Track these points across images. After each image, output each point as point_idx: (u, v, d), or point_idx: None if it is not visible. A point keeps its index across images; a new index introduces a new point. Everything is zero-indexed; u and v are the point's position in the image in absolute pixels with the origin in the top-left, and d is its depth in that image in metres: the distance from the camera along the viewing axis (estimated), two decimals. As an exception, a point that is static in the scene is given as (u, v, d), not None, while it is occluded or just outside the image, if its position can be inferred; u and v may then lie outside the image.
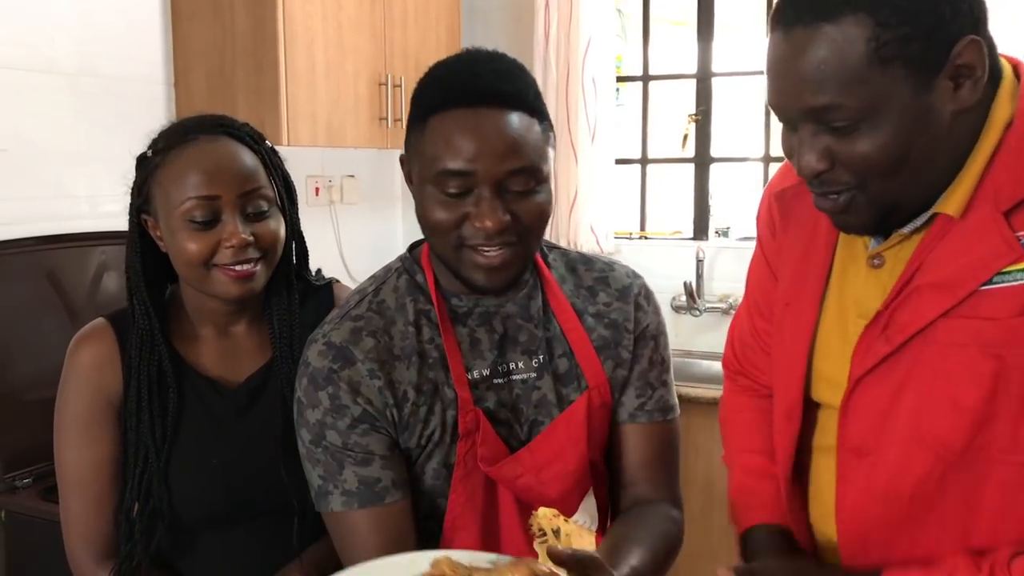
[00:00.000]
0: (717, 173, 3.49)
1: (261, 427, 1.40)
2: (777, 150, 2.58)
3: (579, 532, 1.18)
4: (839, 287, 1.13)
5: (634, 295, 1.32)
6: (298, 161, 3.10)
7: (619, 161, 3.52)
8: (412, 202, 1.22)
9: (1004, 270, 0.97)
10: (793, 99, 0.99)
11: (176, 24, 2.63)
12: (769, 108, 1.08)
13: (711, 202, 3.48)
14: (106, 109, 2.43)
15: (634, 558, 1.16)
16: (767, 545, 1.19)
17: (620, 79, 3.68)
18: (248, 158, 1.35)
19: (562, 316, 1.29)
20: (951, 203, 1.00)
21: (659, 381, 1.33)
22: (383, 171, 3.55)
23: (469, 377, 1.25)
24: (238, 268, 1.31)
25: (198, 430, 1.39)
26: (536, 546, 1.21)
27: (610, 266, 1.35)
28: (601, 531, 1.30)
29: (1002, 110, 1.00)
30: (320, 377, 1.22)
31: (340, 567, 1.12)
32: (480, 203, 1.13)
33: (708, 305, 3.27)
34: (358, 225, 3.35)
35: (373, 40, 2.91)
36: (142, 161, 1.37)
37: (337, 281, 1.54)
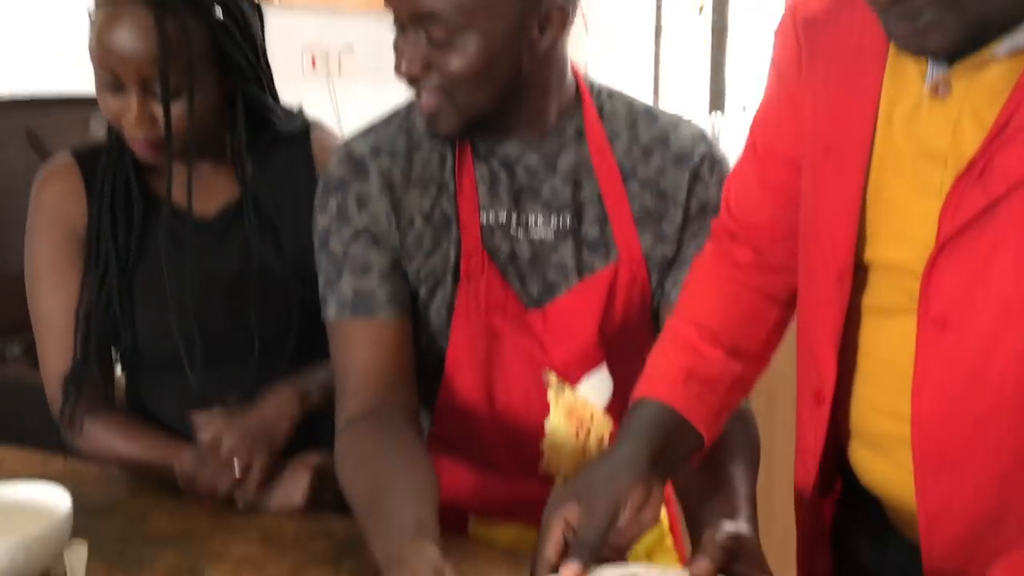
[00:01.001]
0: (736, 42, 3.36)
1: (229, 263, 1.38)
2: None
3: (584, 404, 1.12)
4: (891, 126, 0.95)
5: (694, 163, 1.20)
6: (293, 29, 3.09)
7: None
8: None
9: None
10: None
11: None
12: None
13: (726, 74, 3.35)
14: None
15: (743, 504, 1.05)
16: (648, 425, 1.01)
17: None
18: (149, 36, 1.26)
19: (605, 177, 1.19)
20: None
21: None
22: (383, 42, 3.45)
23: (484, 219, 1.18)
24: (139, 143, 1.30)
25: (163, 263, 1.36)
26: (550, 395, 1.16)
27: (675, 125, 1.22)
28: (620, 408, 1.20)
29: None
30: (332, 184, 1.21)
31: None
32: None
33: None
34: (359, 103, 3.27)
35: None
36: (89, 18, 1.34)
37: (320, 125, 1.49)
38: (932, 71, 0.89)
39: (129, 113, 1.28)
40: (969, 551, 0.92)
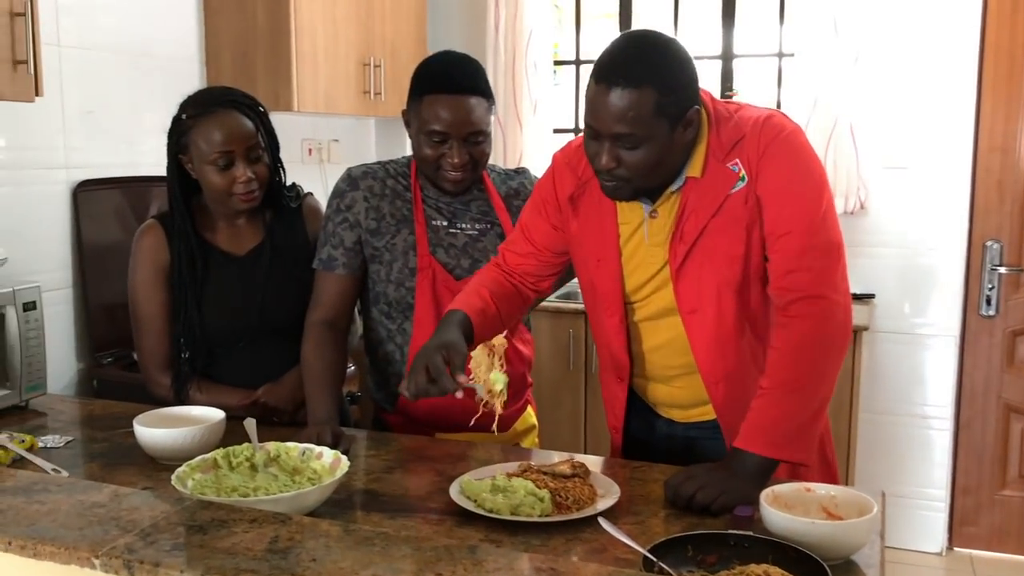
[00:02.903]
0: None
1: (257, 281, 2.17)
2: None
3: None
4: (629, 239, 1.82)
5: (528, 179, 2.21)
6: (296, 127, 3.87)
7: (556, 130, 4.25)
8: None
9: (733, 188, 1.71)
10: (606, 125, 1.62)
11: (208, 17, 3.33)
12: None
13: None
14: (158, 81, 3.11)
15: None
16: (455, 323, 1.78)
17: (557, 63, 4.40)
18: (248, 123, 2.09)
19: (498, 207, 2.14)
20: (695, 169, 1.73)
21: None
22: (360, 137, 4.29)
23: (432, 223, 2.09)
24: (246, 195, 2.09)
25: (217, 284, 2.15)
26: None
27: (520, 171, 2.25)
28: (509, 335, 2.08)
29: (704, 119, 1.73)
30: (339, 190, 2.12)
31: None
32: (452, 149, 1.99)
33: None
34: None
35: (359, 30, 3.63)
36: (177, 122, 2.10)
37: (310, 194, 2.32)
38: (646, 208, 1.79)
39: (240, 175, 2.04)
40: (736, 407, 1.76)
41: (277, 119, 3.47)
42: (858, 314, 3.58)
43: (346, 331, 2.14)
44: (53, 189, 2.76)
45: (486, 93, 2.03)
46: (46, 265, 2.71)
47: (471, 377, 2.02)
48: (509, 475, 1.67)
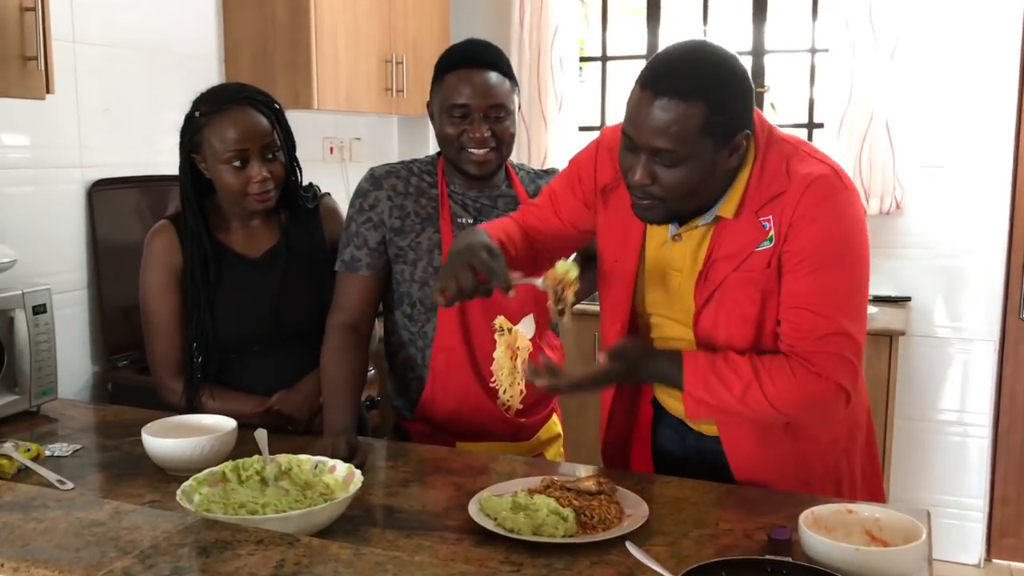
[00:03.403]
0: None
1: (272, 284, 2.10)
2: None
3: (521, 335, 1.88)
4: (652, 252, 1.72)
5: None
6: (317, 125, 3.82)
7: (582, 128, 4.15)
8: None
9: (759, 246, 1.59)
10: (645, 137, 1.48)
11: (227, 13, 3.27)
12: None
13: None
14: (176, 79, 3.06)
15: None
16: (481, 232, 1.66)
17: (583, 59, 4.33)
18: (263, 120, 2.02)
19: (524, 203, 2.02)
20: (727, 210, 1.60)
21: None
22: (383, 135, 4.22)
23: (458, 220, 2.02)
24: (261, 195, 2.02)
25: (231, 287, 2.08)
26: (496, 336, 1.93)
27: (549, 171, 2.16)
28: (537, 339, 2.01)
29: (749, 153, 1.60)
30: (360, 191, 2.05)
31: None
32: (474, 124, 1.91)
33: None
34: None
35: (381, 26, 3.57)
36: (190, 120, 2.03)
37: (328, 195, 2.23)
38: (672, 229, 1.68)
39: (255, 175, 1.97)
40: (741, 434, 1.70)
41: (297, 117, 3.42)
42: (893, 317, 3.48)
43: (368, 336, 2.07)
44: (68, 188, 2.71)
45: (509, 74, 1.97)
46: (60, 266, 2.67)
47: (493, 380, 1.96)
48: (531, 491, 1.59)
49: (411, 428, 2.12)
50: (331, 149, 3.85)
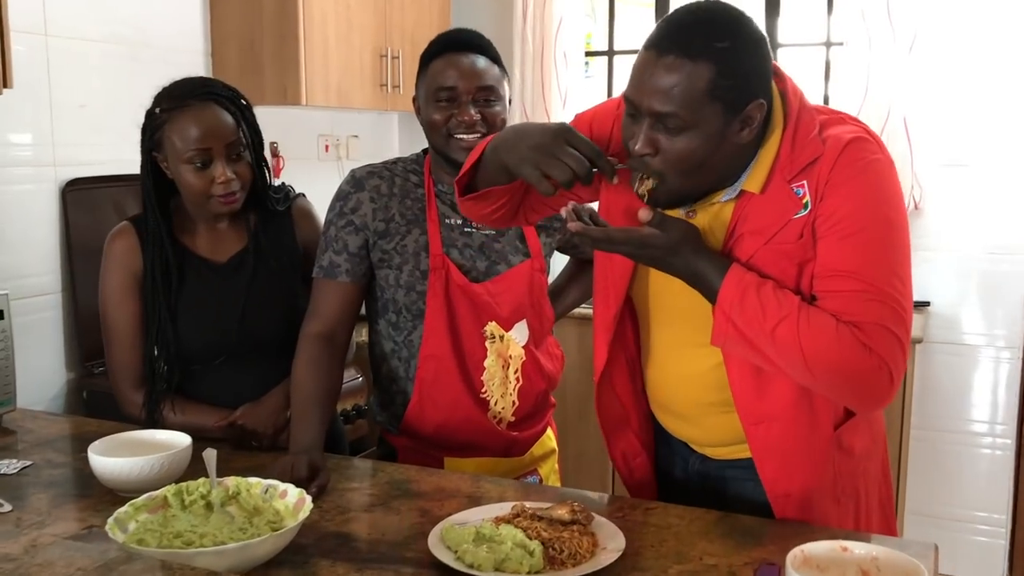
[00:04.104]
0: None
1: (238, 291, 1.97)
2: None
3: (513, 343, 1.76)
4: None
5: None
6: (311, 122, 3.70)
7: (588, 125, 4.06)
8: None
9: (794, 215, 1.43)
10: (648, 100, 1.35)
11: (213, 4, 3.16)
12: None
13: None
14: (158, 74, 2.94)
15: None
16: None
17: (589, 53, 4.20)
18: (228, 117, 1.90)
19: None
20: (754, 183, 1.45)
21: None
22: (383, 132, 4.10)
23: (446, 221, 1.89)
24: (225, 197, 1.89)
25: (194, 293, 1.96)
26: (487, 343, 1.80)
27: None
28: (530, 347, 1.89)
29: (778, 124, 1.45)
30: (340, 194, 1.91)
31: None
32: (462, 107, 1.80)
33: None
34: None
35: (376, 18, 3.44)
36: (151, 116, 1.91)
37: (302, 195, 2.10)
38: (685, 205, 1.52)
39: (218, 175, 1.85)
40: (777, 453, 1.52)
41: (289, 114, 3.32)
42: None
43: (344, 347, 1.94)
44: (39, 188, 2.61)
45: (497, 60, 1.89)
46: (32, 269, 2.58)
47: (484, 391, 1.84)
48: (498, 520, 1.45)
49: (396, 443, 1.99)
50: (326, 147, 3.73)
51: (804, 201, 1.42)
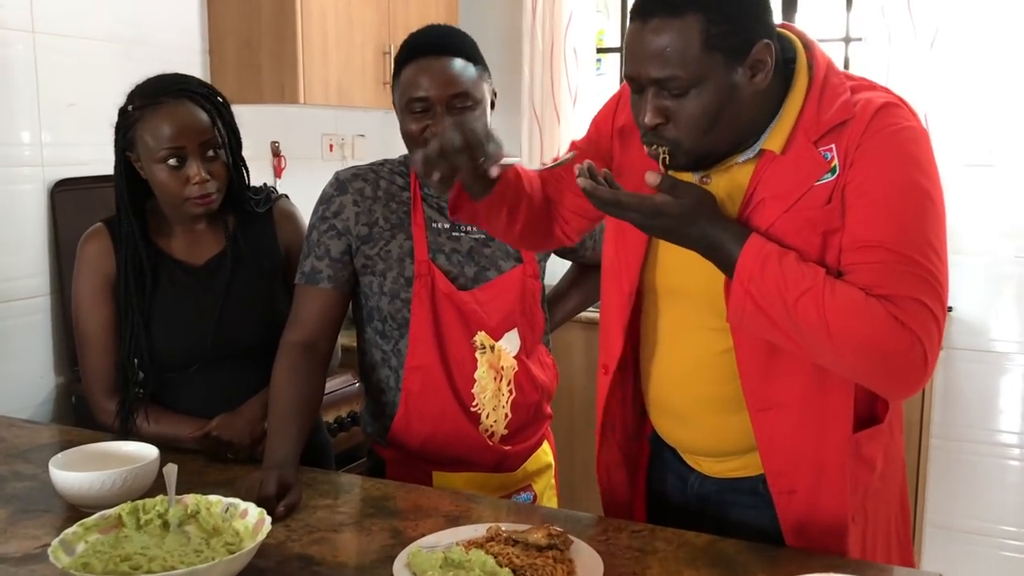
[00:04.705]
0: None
1: (215, 295, 1.90)
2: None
3: (504, 353, 1.67)
4: None
5: None
6: (314, 121, 3.63)
7: (599, 123, 3.96)
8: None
9: (819, 180, 1.33)
10: (644, 69, 1.29)
11: (211, 1, 3.09)
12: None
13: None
14: (154, 72, 2.86)
15: None
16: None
17: (601, 50, 4.11)
18: (202, 115, 1.83)
19: None
20: (774, 143, 1.35)
21: None
22: (389, 132, 4.00)
23: (432, 225, 1.81)
24: (201, 198, 1.82)
25: (169, 297, 1.89)
26: (477, 354, 1.72)
27: None
28: (522, 357, 1.82)
29: (801, 79, 1.37)
30: (325, 196, 1.83)
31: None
32: (436, 117, 1.69)
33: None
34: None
35: (378, 13, 3.36)
36: (123, 114, 1.83)
37: (284, 196, 2.02)
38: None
39: (193, 175, 1.78)
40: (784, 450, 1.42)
41: (292, 112, 3.24)
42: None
43: (327, 357, 1.85)
44: (27, 188, 2.55)
45: (473, 58, 1.76)
46: (19, 271, 2.52)
47: (474, 403, 1.79)
48: (469, 545, 1.37)
49: (385, 455, 1.92)
50: (330, 146, 3.65)
51: (832, 164, 1.32)
